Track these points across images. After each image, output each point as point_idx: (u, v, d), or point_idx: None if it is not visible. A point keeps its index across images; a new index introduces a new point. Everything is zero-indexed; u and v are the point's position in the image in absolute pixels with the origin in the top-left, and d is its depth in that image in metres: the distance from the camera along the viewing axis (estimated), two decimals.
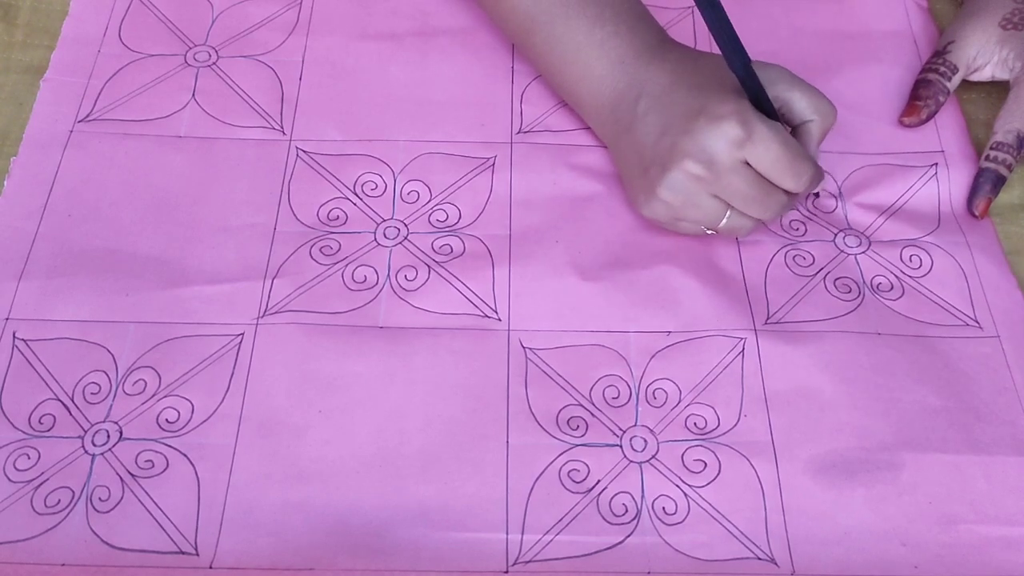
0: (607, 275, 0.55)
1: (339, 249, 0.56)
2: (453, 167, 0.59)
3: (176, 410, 0.50)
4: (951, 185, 0.59)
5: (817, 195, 0.59)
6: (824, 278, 0.56)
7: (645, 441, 0.50)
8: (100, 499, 0.47)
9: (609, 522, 0.48)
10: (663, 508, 0.48)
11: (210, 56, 0.64)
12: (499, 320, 0.54)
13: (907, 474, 0.49)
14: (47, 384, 0.51)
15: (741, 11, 0.63)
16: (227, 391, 0.51)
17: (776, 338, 0.53)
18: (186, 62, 0.63)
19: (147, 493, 0.48)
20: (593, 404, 0.51)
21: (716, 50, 0.58)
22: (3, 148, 0.59)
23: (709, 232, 0.54)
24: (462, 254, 0.56)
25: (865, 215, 0.58)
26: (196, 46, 0.64)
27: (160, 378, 0.51)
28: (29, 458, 0.48)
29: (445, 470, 0.49)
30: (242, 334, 0.52)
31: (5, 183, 0.58)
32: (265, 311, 0.53)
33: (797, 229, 0.58)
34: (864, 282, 0.55)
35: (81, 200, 0.57)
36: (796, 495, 0.48)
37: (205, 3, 0.67)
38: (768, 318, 0.54)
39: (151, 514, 0.47)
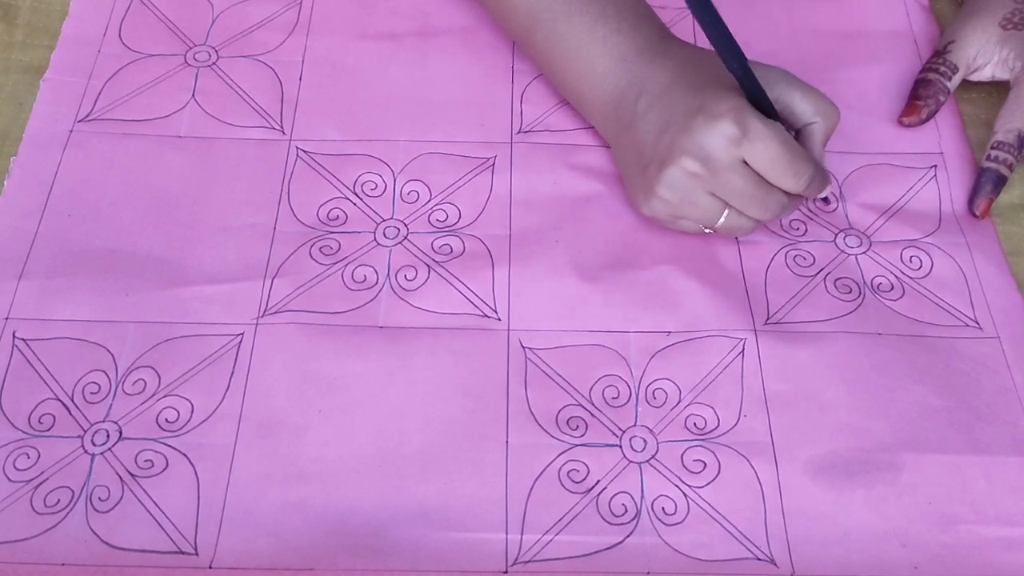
0: (607, 275, 0.55)
1: (339, 249, 0.56)
2: (453, 167, 0.59)
3: (176, 410, 0.50)
4: (951, 186, 0.59)
5: (826, 201, 0.59)
6: (824, 278, 0.55)
7: (645, 441, 0.50)
8: (100, 499, 0.47)
9: (609, 522, 0.48)
10: (663, 508, 0.48)
11: (210, 56, 0.64)
12: (499, 320, 0.54)
13: (907, 475, 0.49)
14: (47, 384, 0.51)
15: (740, 11, 0.63)
16: (227, 391, 0.51)
17: (776, 338, 0.53)
18: (186, 62, 0.63)
19: (147, 493, 0.48)
20: (593, 404, 0.51)
21: None
22: (3, 148, 0.59)
23: (708, 231, 0.54)
24: (462, 254, 0.56)
25: (865, 215, 0.58)
26: (196, 46, 0.64)
27: (160, 378, 0.51)
28: (29, 458, 0.48)
29: (445, 470, 0.49)
30: (242, 334, 0.52)
31: (5, 183, 0.58)
32: (265, 311, 0.53)
33: (797, 229, 0.58)
34: (864, 282, 0.55)
35: (81, 200, 0.57)
36: (796, 495, 0.48)
37: (205, 3, 0.67)
38: (768, 318, 0.54)
39: (151, 514, 0.47)
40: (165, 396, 0.50)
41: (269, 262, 0.55)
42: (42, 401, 0.50)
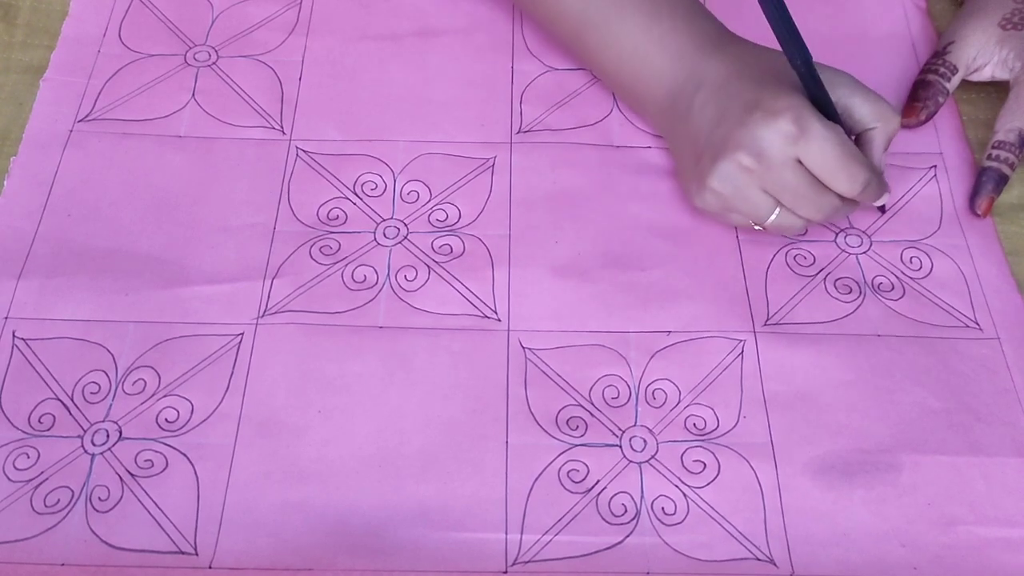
0: (607, 275, 0.55)
1: (339, 249, 0.56)
2: (453, 167, 0.59)
3: (176, 410, 0.50)
4: (951, 187, 0.59)
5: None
6: (824, 278, 0.56)
7: (645, 441, 0.50)
8: (99, 499, 0.47)
9: (608, 522, 0.48)
10: (662, 508, 0.48)
11: (210, 56, 0.64)
12: (499, 320, 0.54)
13: (906, 475, 0.49)
14: (47, 383, 0.51)
15: (740, 11, 0.63)
16: (227, 391, 0.51)
17: (775, 340, 0.53)
18: (186, 62, 0.63)
19: (146, 493, 0.48)
20: (593, 404, 0.51)
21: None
22: (3, 148, 0.59)
23: (758, 228, 0.54)
24: (462, 254, 0.56)
25: (866, 215, 0.58)
26: (196, 46, 0.64)
27: (160, 378, 0.51)
28: (28, 457, 0.48)
29: (444, 470, 0.49)
30: (242, 334, 0.52)
31: (5, 183, 0.58)
32: (265, 311, 0.53)
33: None
34: (865, 282, 0.55)
35: (81, 200, 0.57)
36: (795, 496, 0.48)
37: (205, 3, 0.67)
38: (768, 319, 0.54)
39: (150, 514, 0.47)
40: (165, 396, 0.50)
41: (269, 262, 0.55)
42: (42, 401, 0.50)
